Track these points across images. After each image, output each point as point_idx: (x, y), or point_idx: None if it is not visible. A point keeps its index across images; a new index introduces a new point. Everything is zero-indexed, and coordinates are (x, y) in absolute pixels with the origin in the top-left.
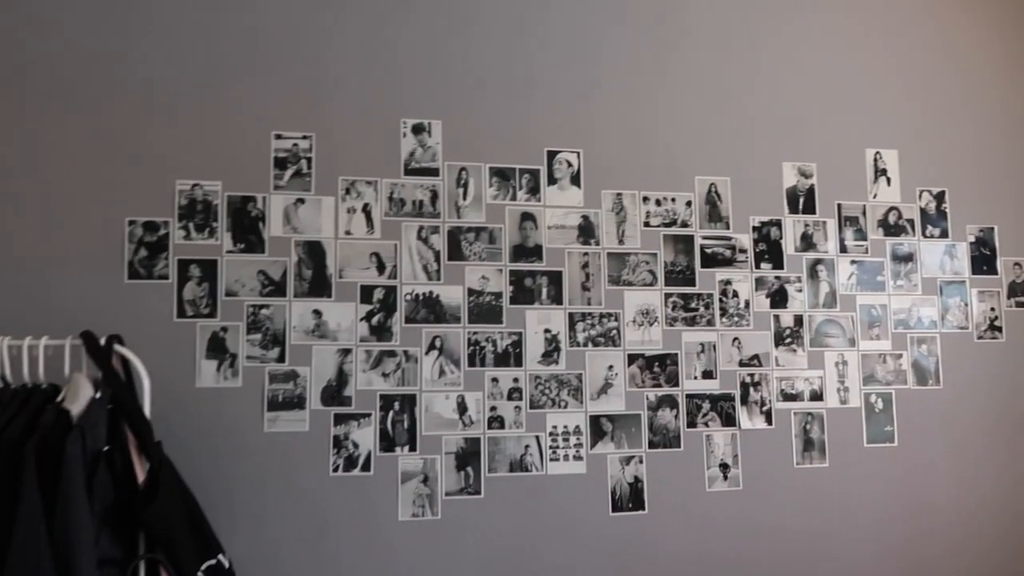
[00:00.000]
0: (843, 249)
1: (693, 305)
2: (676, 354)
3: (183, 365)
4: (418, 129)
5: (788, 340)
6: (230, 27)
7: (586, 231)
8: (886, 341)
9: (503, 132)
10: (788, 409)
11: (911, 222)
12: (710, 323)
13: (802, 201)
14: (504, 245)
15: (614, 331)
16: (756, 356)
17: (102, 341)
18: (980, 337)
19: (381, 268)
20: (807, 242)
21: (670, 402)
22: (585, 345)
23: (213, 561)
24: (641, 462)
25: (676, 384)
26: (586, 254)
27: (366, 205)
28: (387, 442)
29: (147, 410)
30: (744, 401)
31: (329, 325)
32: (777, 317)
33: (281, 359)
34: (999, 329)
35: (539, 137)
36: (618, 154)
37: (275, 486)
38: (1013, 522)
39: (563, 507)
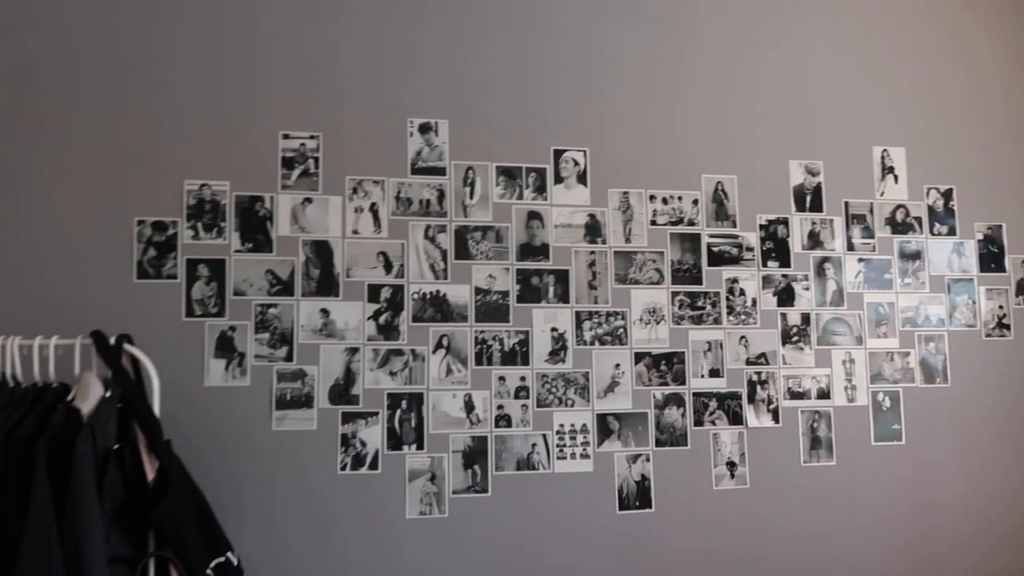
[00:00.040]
0: (850, 247)
1: (700, 303)
2: (683, 352)
3: (192, 364)
4: (425, 128)
5: (795, 338)
6: (237, 28)
7: (593, 230)
8: (893, 339)
9: (510, 131)
10: (795, 407)
11: (919, 220)
12: (717, 321)
13: (809, 199)
14: (511, 244)
15: (621, 330)
16: (763, 354)
17: (112, 340)
18: (988, 335)
19: (388, 267)
20: (814, 240)
21: (677, 400)
22: (592, 344)
23: (222, 559)
24: (648, 460)
25: (683, 382)
26: (593, 253)
27: (373, 204)
28: (394, 440)
29: (156, 409)
30: (751, 399)
31: (337, 324)
32: (784, 315)
33: (289, 358)
34: (1007, 327)
35: (545, 136)
36: (625, 153)
37: (283, 484)
38: (1021, 520)
39: (570, 505)
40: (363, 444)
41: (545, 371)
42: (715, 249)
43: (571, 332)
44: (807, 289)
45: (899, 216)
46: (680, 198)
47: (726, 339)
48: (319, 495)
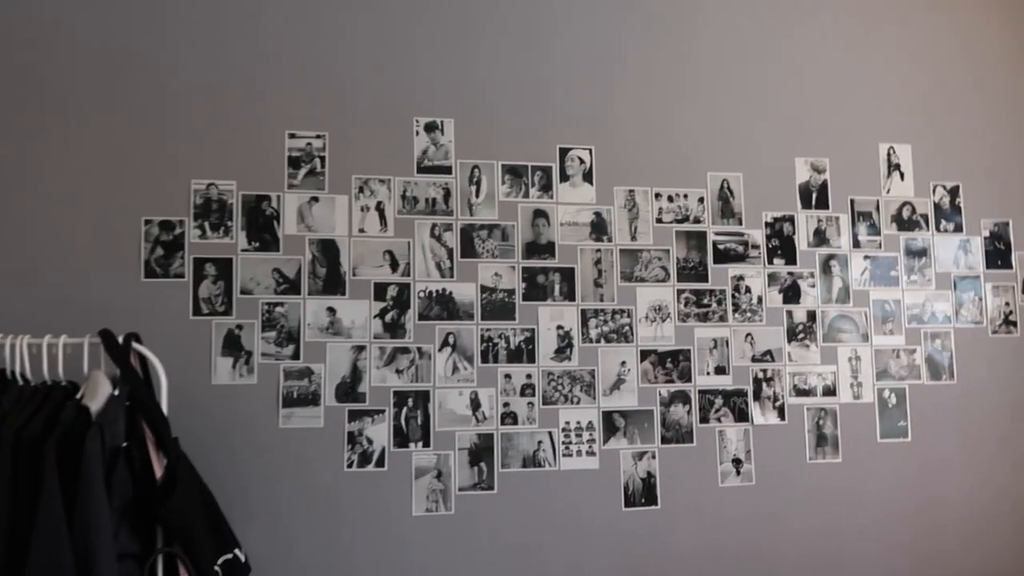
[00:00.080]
0: (856, 244)
1: (706, 301)
2: (689, 350)
3: (199, 362)
4: (431, 127)
5: (801, 335)
6: (243, 28)
7: (598, 228)
8: (899, 336)
9: (515, 130)
10: (801, 404)
11: (925, 217)
12: (723, 319)
13: (815, 196)
14: (517, 242)
15: (626, 327)
16: (769, 351)
17: (120, 339)
18: (995, 332)
19: (395, 266)
20: (820, 237)
21: (683, 398)
22: (598, 341)
23: (229, 555)
24: (654, 457)
25: (689, 380)
26: (598, 251)
27: (379, 203)
28: (401, 438)
29: (164, 407)
30: (757, 396)
31: (343, 322)
32: (790, 312)
33: (296, 356)
34: (1014, 324)
35: (551, 134)
36: (630, 151)
37: (290, 482)
38: None
39: (576, 503)
40: (369, 442)
41: (551, 369)
42: (721, 247)
43: (577, 330)
44: (813, 286)
45: (905, 213)
46: (686, 196)
47: (732, 336)
48: (326, 492)
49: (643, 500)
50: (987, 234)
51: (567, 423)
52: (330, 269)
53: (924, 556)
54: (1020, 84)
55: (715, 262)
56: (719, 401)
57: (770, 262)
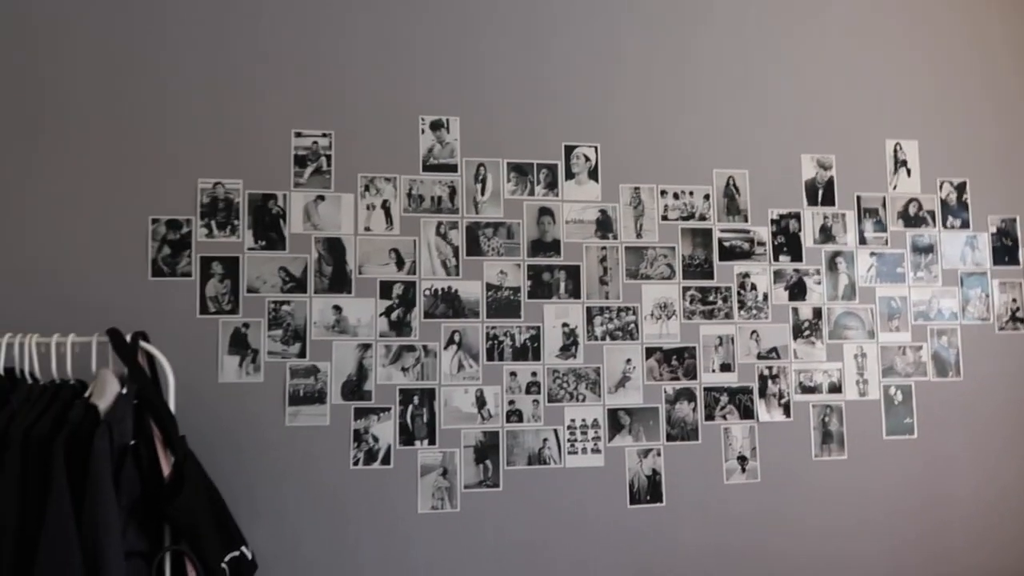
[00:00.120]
0: (862, 241)
1: (711, 298)
2: (694, 347)
3: (206, 361)
4: (436, 126)
5: (807, 332)
6: (250, 27)
7: (604, 225)
8: (906, 333)
9: (520, 127)
10: (806, 401)
11: (931, 213)
12: (728, 316)
13: (821, 193)
14: (522, 240)
15: (632, 325)
16: (774, 349)
17: (127, 338)
18: (1001, 328)
19: (400, 264)
20: (826, 234)
21: (688, 395)
22: (603, 339)
23: (236, 553)
24: (659, 455)
25: (694, 377)
26: (604, 248)
27: (385, 201)
28: (407, 436)
29: (171, 405)
30: (762, 394)
31: (349, 320)
32: (796, 310)
33: (302, 354)
34: (1021, 320)
35: (556, 132)
36: (636, 148)
37: (296, 479)
38: None
39: (581, 500)
40: (375, 439)
41: (556, 366)
42: (726, 244)
43: (582, 327)
44: (819, 283)
45: (912, 210)
46: (691, 193)
47: (737, 334)
48: (332, 490)
49: (648, 497)
50: (994, 230)
51: (572, 420)
52: (336, 267)
53: (930, 553)
54: None
55: (721, 259)
56: (724, 398)
57: (776, 259)
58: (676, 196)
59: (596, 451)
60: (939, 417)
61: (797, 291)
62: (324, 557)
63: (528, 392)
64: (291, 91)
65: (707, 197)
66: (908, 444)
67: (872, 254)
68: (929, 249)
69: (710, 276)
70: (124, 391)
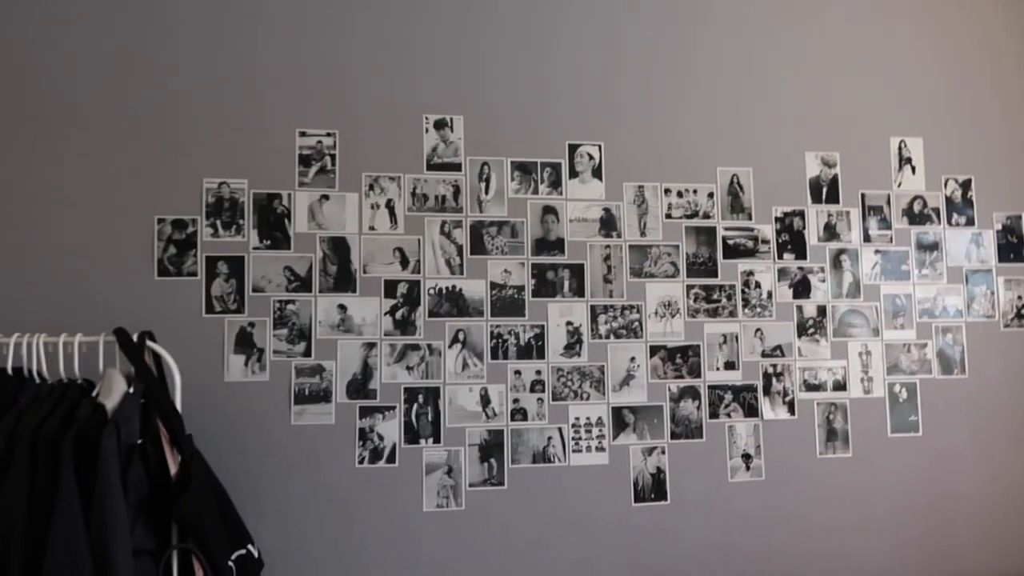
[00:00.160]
0: (867, 239)
1: (715, 296)
2: (698, 345)
3: (212, 360)
4: (440, 125)
5: (811, 330)
6: (254, 27)
7: (608, 224)
8: (910, 330)
9: (524, 126)
10: (811, 399)
11: (936, 210)
12: (732, 314)
13: (825, 191)
14: (526, 239)
15: (636, 323)
16: (779, 347)
17: (134, 337)
18: (1007, 326)
19: (405, 263)
20: (830, 232)
21: (692, 393)
22: (607, 337)
23: (243, 551)
24: (663, 453)
25: (698, 375)
26: (608, 247)
27: (389, 201)
28: (411, 434)
29: (178, 404)
30: (766, 392)
31: (354, 319)
32: (800, 308)
33: (307, 353)
34: None
35: (560, 131)
36: (639, 146)
37: (302, 478)
38: None
39: (586, 498)
40: (380, 438)
41: (560, 365)
42: (730, 242)
43: (586, 326)
44: (823, 281)
45: (916, 207)
46: (695, 191)
47: (741, 332)
48: (337, 488)
49: (653, 495)
50: (999, 227)
51: (577, 419)
52: (341, 266)
53: (935, 551)
54: None
55: (725, 257)
56: (728, 396)
57: (780, 257)
58: (680, 194)
59: (600, 449)
60: (944, 414)
61: (801, 289)
62: (329, 555)
63: (532, 391)
64: (295, 91)
65: (711, 195)
66: (913, 442)
67: (876, 251)
68: (934, 246)
69: (714, 274)
70: (131, 390)
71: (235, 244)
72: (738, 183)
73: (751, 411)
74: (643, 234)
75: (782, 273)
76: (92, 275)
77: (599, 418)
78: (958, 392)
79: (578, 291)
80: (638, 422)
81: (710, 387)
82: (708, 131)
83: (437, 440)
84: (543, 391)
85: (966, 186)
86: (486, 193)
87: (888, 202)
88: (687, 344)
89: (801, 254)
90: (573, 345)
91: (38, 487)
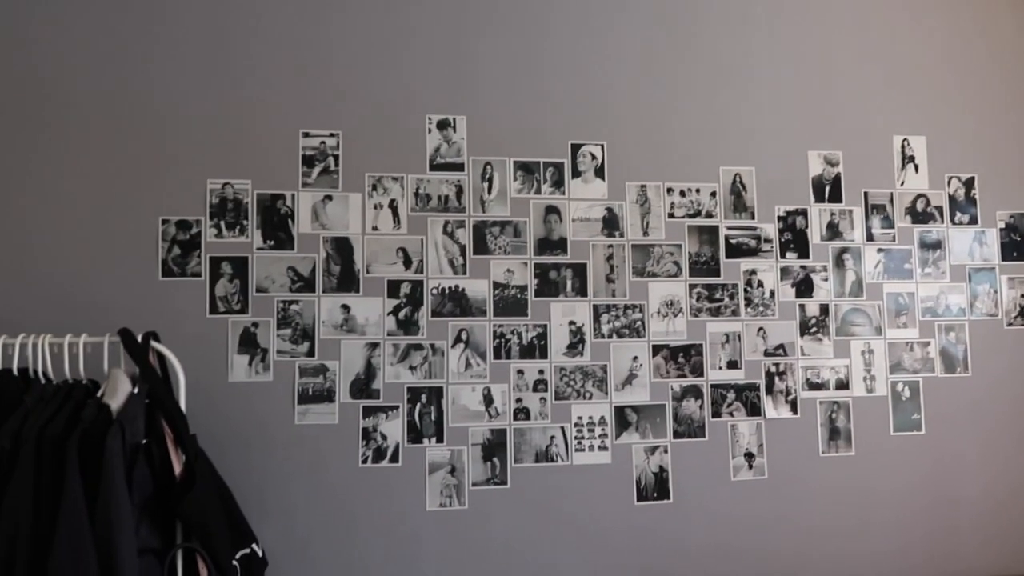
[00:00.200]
0: (870, 237)
1: (718, 295)
2: (701, 344)
3: (216, 360)
4: (443, 125)
5: (814, 329)
6: (257, 28)
7: (610, 223)
8: (913, 329)
9: (527, 126)
10: (814, 398)
11: (939, 209)
12: (735, 313)
13: (828, 189)
14: (529, 238)
15: (639, 322)
16: (781, 345)
17: (139, 338)
18: (1010, 324)
19: (408, 263)
20: (833, 231)
21: (695, 392)
22: (610, 336)
23: (247, 550)
24: (666, 452)
25: (701, 374)
26: (610, 246)
27: (392, 201)
28: (415, 434)
29: (182, 404)
30: (769, 390)
31: (357, 319)
32: (802, 306)
33: (311, 353)
34: None
35: (563, 130)
36: (642, 146)
37: (305, 477)
38: None
39: (588, 497)
40: (384, 437)
41: (563, 364)
42: (733, 241)
43: (589, 325)
44: (826, 280)
45: (919, 205)
46: (698, 190)
47: (744, 331)
48: (341, 488)
49: (655, 494)
50: (1002, 226)
51: (579, 418)
52: (344, 267)
53: (938, 550)
54: None
55: (727, 256)
56: (731, 395)
57: (783, 256)
58: (682, 193)
59: (603, 448)
60: (947, 413)
61: (804, 288)
62: (333, 554)
63: (535, 390)
64: (298, 92)
65: (713, 194)
66: (916, 440)
67: (879, 250)
68: (937, 245)
69: (717, 273)
70: (136, 391)
71: (239, 245)
72: (741, 182)
73: (754, 410)
74: (646, 233)
75: (785, 272)
76: (97, 276)
77: (602, 417)
78: (961, 391)
79: (581, 291)
80: (641, 421)
81: (713, 386)
82: (710, 130)
83: (440, 440)
84: (546, 390)
85: (969, 184)
86: (489, 193)
87: (891, 201)
88: (690, 343)
89: (804, 253)
90: (576, 344)
91: (43, 487)
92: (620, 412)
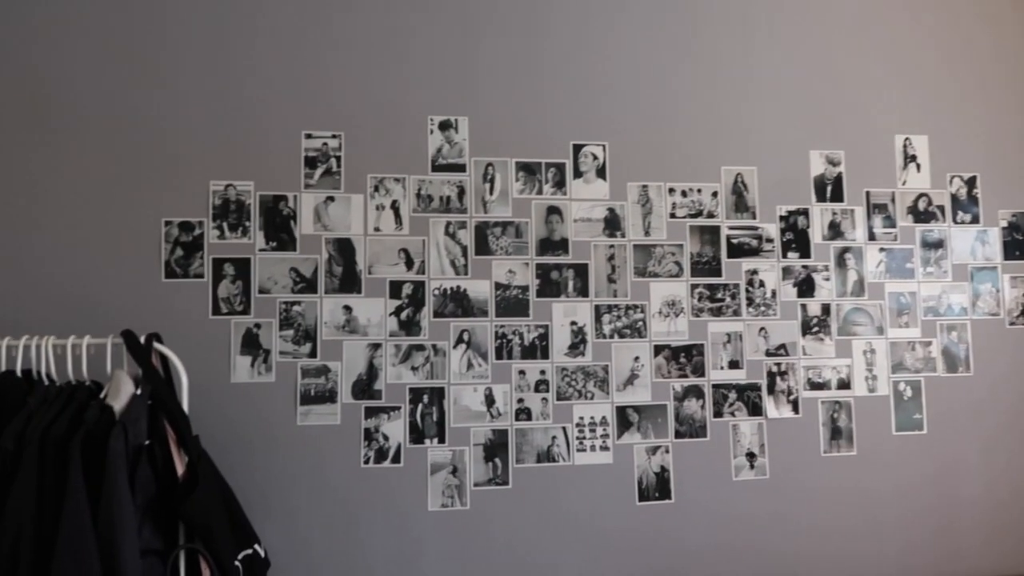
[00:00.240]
0: (871, 237)
1: (719, 295)
2: (702, 344)
3: (218, 361)
4: (445, 126)
5: (815, 329)
6: (260, 30)
7: (612, 223)
8: (915, 329)
9: (528, 127)
10: (815, 398)
11: (941, 208)
12: (736, 313)
13: (830, 189)
14: (530, 239)
15: (640, 322)
16: (783, 345)
17: (142, 339)
18: (1012, 323)
19: (409, 264)
20: (835, 230)
21: (696, 392)
22: (611, 337)
23: (249, 551)
24: (667, 452)
25: (702, 374)
26: (612, 246)
27: (394, 202)
28: (416, 434)
29: (185, 405)
30: (771, 390)
31: (359, 320)
32: (804, 306)
33: (313, 354)
34: None
35: (564, 131)
36: (643, 146)
37: (307, 478)
38: None
39: (590, 497)
40: (386, 438)
41: (565, 364)
42: (735, 241)
43: (590, 325)
44: (827, 280)
45: (921, 205)
46: (699, 190)
47: (746, 331)
48: (342, 488)
49: (657, 494)
50: (1005, 225)
51: (581, 418)
52: (346, 268)
53: (940, 549)
54: None
55: (729, 256)
56: (733, 395)
57: (784, 256)
58: (684, 194)
59: (605, 448)
60: (949, 413)
61: (806, 287)
62: (335, 554)
63: (537, 390)
64: (300, 93)
65: (715, 194)
66: (917, 439)
67: (881, 250)
68: (939, 244)
69: (718, 273)
70: (138, 392)
71: (241, 246)
72: (742, 182)
73: (755, 410)
74: (647, 234)
75: (786, 272)
76: (100, 278)
77: (603, 417)
78: (963, 390)
79: (582, 291)
80: (642, 421)
81: (714, 386)
82: (712, 130)
83: (442, 440)
84: (547, 391)
85: (971, 183)
86: (490, 194)
87: (893, 200)
88: (691, 343)
89: (805, 253)
90: (577, 345)
91: (47, 488)
92: (622, 412)
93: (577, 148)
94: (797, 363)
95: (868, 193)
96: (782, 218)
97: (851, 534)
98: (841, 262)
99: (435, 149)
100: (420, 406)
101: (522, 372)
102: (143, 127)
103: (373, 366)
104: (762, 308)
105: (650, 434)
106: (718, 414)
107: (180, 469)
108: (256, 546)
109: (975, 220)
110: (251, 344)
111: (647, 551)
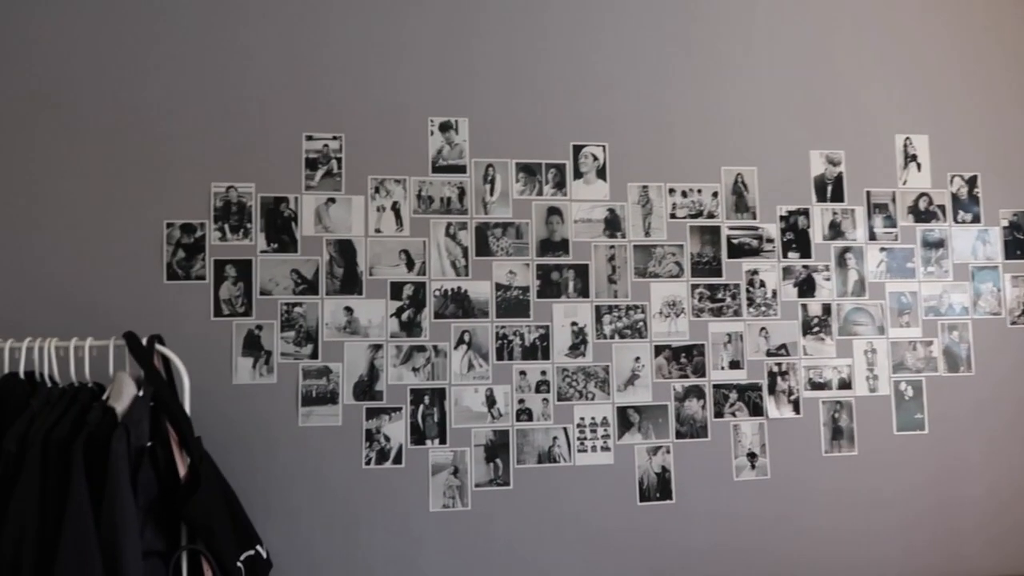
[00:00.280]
0: (872, 236)
1: (720, 296)
2: (703, 344)
3: (220, 363)
4: (445, 127)
5: (816, 329)
6: (260, 32)
7: (612, 224)
8: (916, 328)
9: (529, 128)
10: (816, 398)
11: (942, 208)
12: (737, 313)
13: (830, 189)
14: (531, 240)
15: (641, 323)
16: (784, 345)
17: (143, 341)
18: (1014, 323)
19: (410, 265)
20: (835, 230)
21: (697, 392)
22: (612, 337)
23: (251, 552)
24: (668, 452)
25: (703, 374)
26: (612, 247)
27: (395, 203)
28: (418, 435)
29: (187, 407)
30: (772, 390)
31: (360, 321)
32: (805, 306)
33: (314, 355)
34: None
35: (564, 132)
36: (643, 146)
37: (309, 479)
38: None
39: (591, 498)
40: (387, 439)
41: (565, 365)
42: (735, 241)
43: (591, 326)
44: (828, 279)
45: (922, 204)
46: (700, 191)
47: (746, 331)
48: (344, 489)
49: (658, 495)
50: (1006, 224)
51: (582, 419)
52: (347, 269)
53: (941, 549)
54: None
55: (729, 256)
56: (734, 395)
57: (785, 256)
58: (684, 194)
59: (606, 449)
60: (950, 412)
61: (806, 287)
62: (336, 555)
63: (538, 391)
64: (301, 95)
65: (715, 195)
66: (919, 440)
67: (882, 249)
68: (940, 244)
69: (719, 273)
70: (141, 393)
71: (243, 248)
72: (742, 182)
73: (756, 410)
74: (647, 234)
75: (787, 272)
76: (102, 280)
77: (604, 418)
78: (964, 390)
79: (583, 291)
80: (643, 422)
81: (715, 386)
82: (712, 130)
83: (443, 441)
84: (548, 391)
85: (972, 183)
86: (491, 195)
87: (893, 200)
88: (692, 343)
89: (806, 253)
90: (578, 345)
91: (49, 490)
92: (622, 413)
93: (577, 149)
94: (798, 363)
95: (869, 193)
96: (782, 218)
97: (852, 534)
98: (842, 262)
99: (435, 150)
100: (421, 407)
101: (523, 373)
102: (144, 129)
103: (374, 367)
104: (763, 308)
105: (651, 434)
106: (719, 414)
107: (182, 470)
108: (258, 547)
109: (976, 219)
110: (253, 345)
111: (648, 551)
